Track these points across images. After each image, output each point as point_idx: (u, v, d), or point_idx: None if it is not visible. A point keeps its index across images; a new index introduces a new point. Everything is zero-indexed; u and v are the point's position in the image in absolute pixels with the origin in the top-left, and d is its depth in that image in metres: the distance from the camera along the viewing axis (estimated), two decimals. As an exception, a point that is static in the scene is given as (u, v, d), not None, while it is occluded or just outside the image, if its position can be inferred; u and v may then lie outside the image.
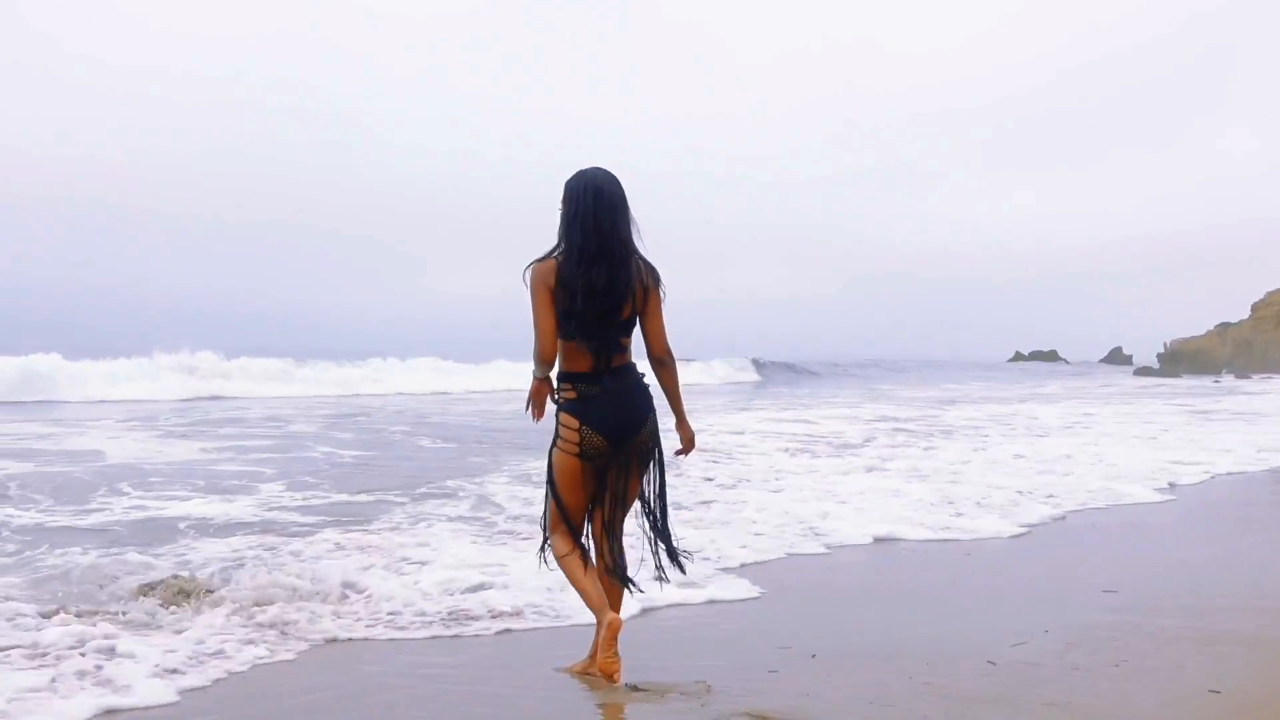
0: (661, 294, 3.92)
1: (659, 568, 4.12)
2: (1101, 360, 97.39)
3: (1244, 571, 6.16)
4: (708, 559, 6.25)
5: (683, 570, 4.15)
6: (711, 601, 5.42)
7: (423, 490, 8.78)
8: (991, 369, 74.92)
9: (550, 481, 3.97)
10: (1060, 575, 6.20)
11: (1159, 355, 64.29)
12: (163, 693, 3.86)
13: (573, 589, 4.00)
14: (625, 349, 3.89)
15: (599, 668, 3.85)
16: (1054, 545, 7.27)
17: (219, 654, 4.31)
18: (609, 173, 3.91)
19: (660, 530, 4.09)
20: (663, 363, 3.98)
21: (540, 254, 3.87)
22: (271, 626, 4.70)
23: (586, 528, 4.03)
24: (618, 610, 3.98)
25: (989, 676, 3.99)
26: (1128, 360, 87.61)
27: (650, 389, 3.97)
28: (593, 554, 4.02)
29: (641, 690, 3.80)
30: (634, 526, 4.14)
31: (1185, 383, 47.21)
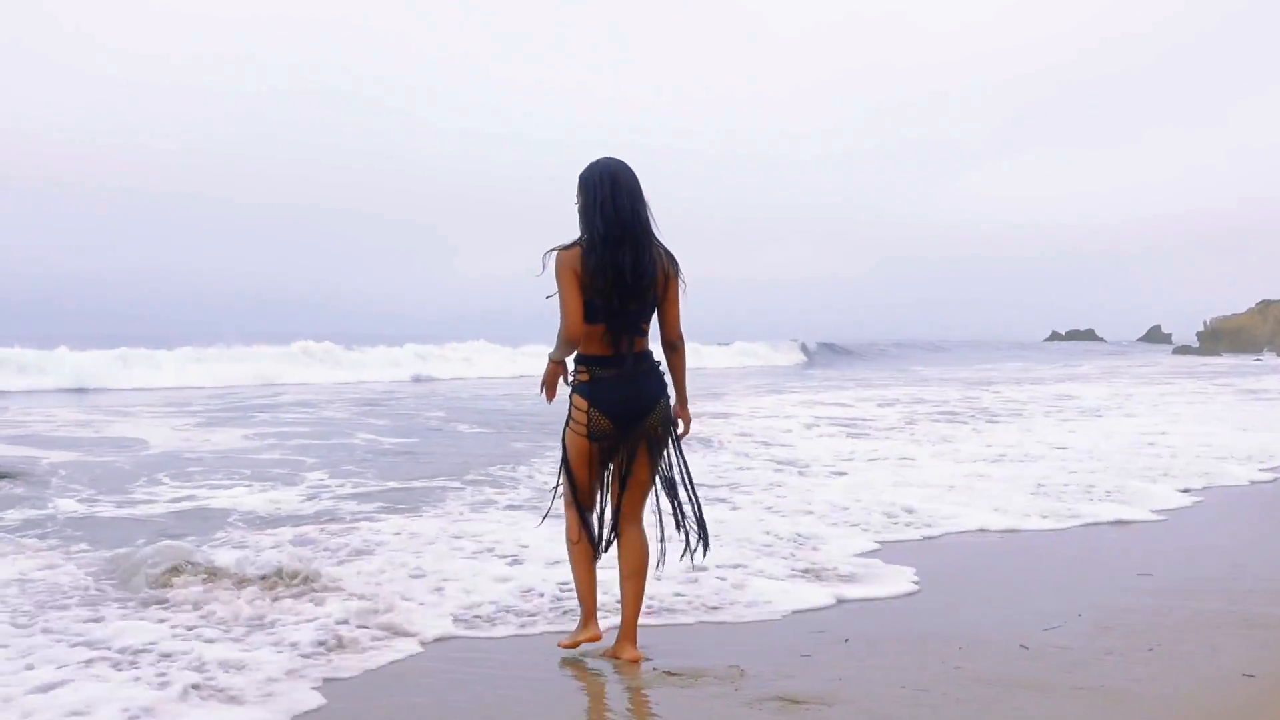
0: (681, 281, 4.02)
1: (687, 548, 4.20)
2: (1140, 339, 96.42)
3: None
4: (817, 549, 6.09)
5: (706, 550, 4.22)
6: (910, 594, 5.19)
7: (471, 477, 8.85)
8: (1030, 349, 74.41)
9: (563, 460, 4.08)
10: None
11: (1198, 334, 63.45)
12: (299, 704, 3.60)
13: (572, 577, 4.17)
14: (645, 334, 3.98)
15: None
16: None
17: (339, 651, 4.14)
18: (622, 161, 3.99)
19: (685, 512, 4.17)
20: (675, 347, 4.07)
21: (561, 243, 3.92)
22: (379, 625, 4.47)
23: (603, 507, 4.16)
24: (637, 602, 4.08)
25: (1021, 660, 4.01)
26: (1166, 339, 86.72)
27: (664, 375, 4.06)
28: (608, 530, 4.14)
29: (675, 675, 3.85)
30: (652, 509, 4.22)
31: (1226, 361, 46.63)
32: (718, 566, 5.47)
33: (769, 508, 7.38)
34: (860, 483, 8.63)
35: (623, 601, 4.08)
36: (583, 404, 3.93)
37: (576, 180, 3.98)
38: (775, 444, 11.58)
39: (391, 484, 8.53)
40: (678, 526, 4.17)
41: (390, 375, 27.91)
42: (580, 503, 4.05)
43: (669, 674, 3.86)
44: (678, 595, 5.04)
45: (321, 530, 6.52)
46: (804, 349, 50.42)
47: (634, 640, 4.06)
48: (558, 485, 4.19)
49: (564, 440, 4.05)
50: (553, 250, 3.88)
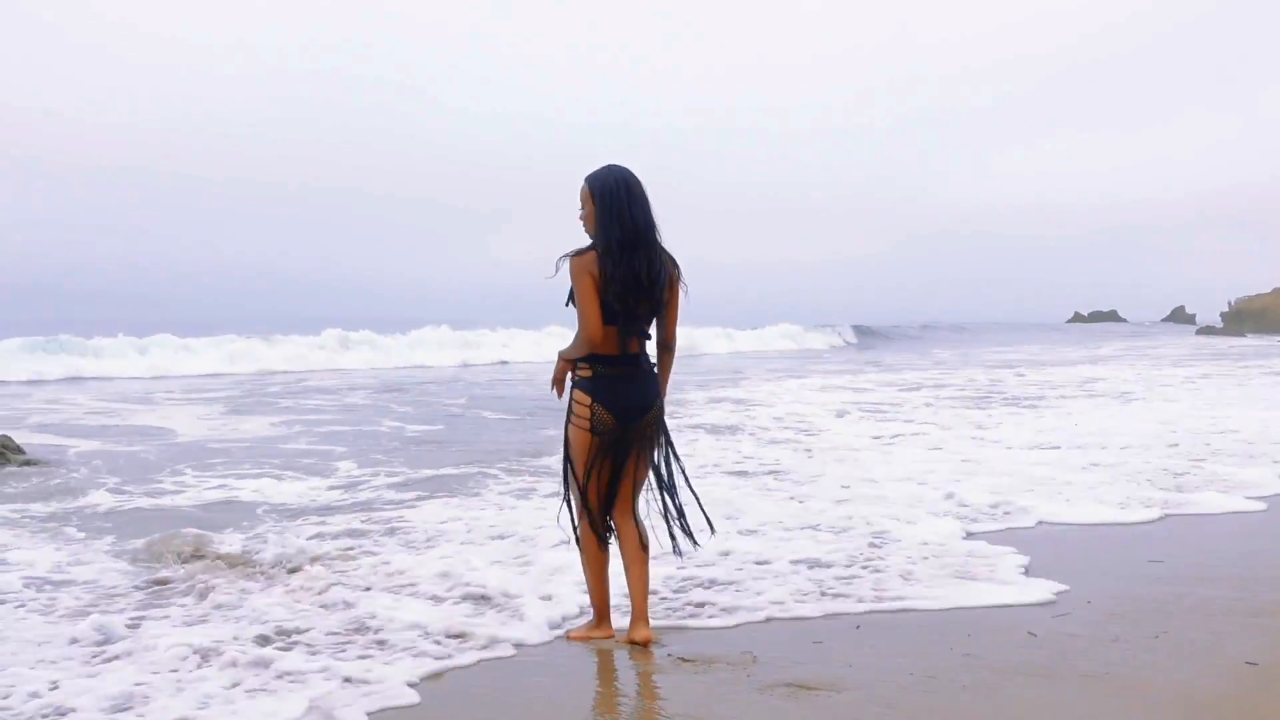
0: (683, 285, 4.17)
1: (673, 539, 4.33)
2: (1164, 319, 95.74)
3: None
4: (926, 543, 5.85)
5: (695, 543, 4.37)
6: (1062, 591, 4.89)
7: (506, 464, 8.92)
8: (1054, 330, 74.10)
9: (566, 457, 4.21)
10: None
11: (1222, 314, 62.87)
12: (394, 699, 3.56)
13: (585, 581, 4.33)
14: (648, 336, 4.14)
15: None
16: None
17: (441, 650, 4.09)
18: (629, 169, 4.12)
19: (676, 506, 4.31)
20: (669, 348, 4.24)
21: (575, 248, 4.05)
22: (463, 628, 4.35)
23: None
24: (644, 585, 4.21)
25: (1029, 648, 4.10)
26: (1190, 319, 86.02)
27: (656, 376, 4.21)
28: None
29: (688, 661, 3.96)
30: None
31: (1251, 343, 46.22)
32: (829, 564, 5.41)
33: (842, 500, 7.22)
34: (920, 471, 8.46)
35: (630, 587, 4.21)
36: (585, 399, 4.08)
37: (585, 187, 4.09)
38: (820, 431, 11.58)
39: (426, 471, 8.61)
40: (666, 521, 4.30)
41: (432, 360, 28.04)
42: (587, 502, 4.16)
43: (682, 660, 3.97)
44: (830, 592, 4.96)
45: (370, 521, 6.54)
46: (846, 332, 50.31)
47: (646, 620, 4.19)
48: (567, 493, 4.29)
49: (566, 436, 4.18)
50: (567, 256, 4.01)
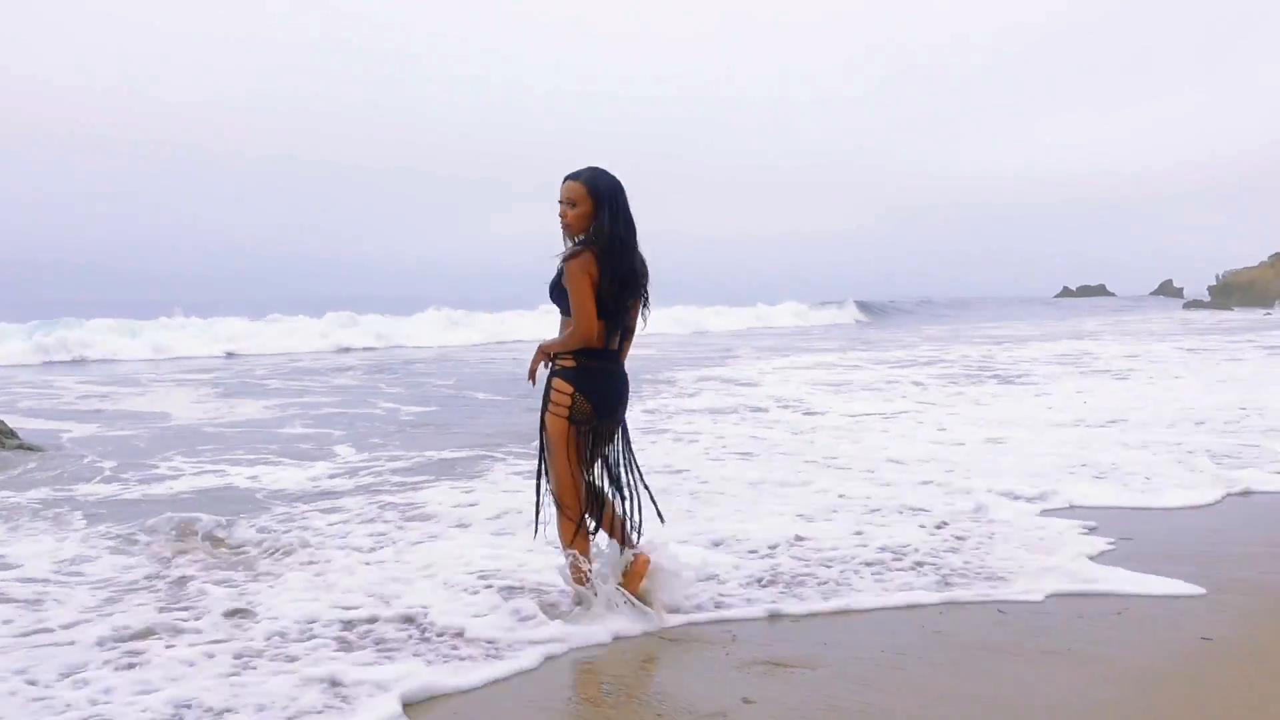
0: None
1: (624, 531, 4.49)
2: (1152, 293, 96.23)
3: None
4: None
5: (638, 534, 4.52)
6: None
7: (507, 448, 8.98)
8: (1045, 304, 74.46)
9: (542, 445, 4.37)
10: None
11: (1210, 288, 63.26)
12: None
13: (573, 576, 4.41)
14: (627, 331, 4.32)
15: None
16: None
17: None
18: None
19: (629, 499, 4.49)
20: (629, 335, 4.40)
21: (569, 249, 4.23)
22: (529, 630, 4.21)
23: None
24: (622, 526, 4.43)
25: (997, 625, 4.28)
26: (1179, 293, 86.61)
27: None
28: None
29: (670, 640, 4.13)
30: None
31: (1235, 316, 46.54)
32: (914, 551, 5.33)
33: (894, 483, 7.12)
34: (943, 452, 8.41)
35: (615, 535, 4.42)
36: (566, 388, 4.25)
37: (581, 187, 4.21)
38: (822, 410, 11.62)
39: (430, 454, 8.68)
40: (626, 512, 4.47)
41: (438, 341, 28.17)
42: (568, 495, 4.29)
43: (665, 639, 4.15)
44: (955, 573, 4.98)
45: (386, 506, 6.58)
46: (851, 309, 50.54)
47: (631, 544, 4.41)
48: (539, 488, 4.47)
49: (543, 426, 4.32)
50: (563, 259, 4.20)
